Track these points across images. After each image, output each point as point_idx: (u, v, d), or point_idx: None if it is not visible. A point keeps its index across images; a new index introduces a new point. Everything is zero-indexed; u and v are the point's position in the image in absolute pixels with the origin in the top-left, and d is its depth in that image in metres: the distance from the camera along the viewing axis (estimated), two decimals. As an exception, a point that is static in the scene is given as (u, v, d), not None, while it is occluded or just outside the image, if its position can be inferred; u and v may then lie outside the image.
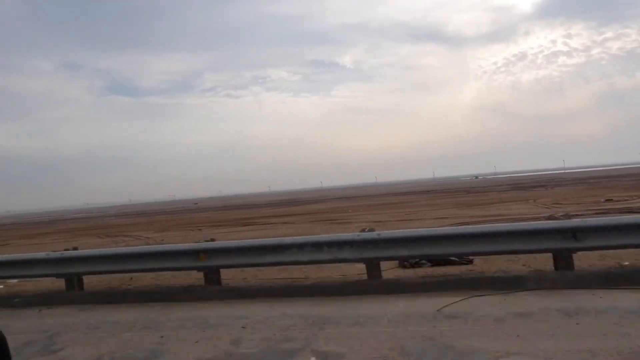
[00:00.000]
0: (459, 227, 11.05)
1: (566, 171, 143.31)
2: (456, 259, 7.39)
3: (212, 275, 7.22)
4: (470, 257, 7.50)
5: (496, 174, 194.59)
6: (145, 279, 9.02)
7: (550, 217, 8.57)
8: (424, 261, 7.46)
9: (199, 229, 25.57)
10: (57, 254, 7.39)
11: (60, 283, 8.43)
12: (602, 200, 22.31)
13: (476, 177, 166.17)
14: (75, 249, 7.28)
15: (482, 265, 7.62)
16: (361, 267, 7.37)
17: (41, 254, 7.62)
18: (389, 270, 7.64)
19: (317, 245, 6.71)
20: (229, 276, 8.17)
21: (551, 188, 41.21)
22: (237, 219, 32.38)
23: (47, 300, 7.56)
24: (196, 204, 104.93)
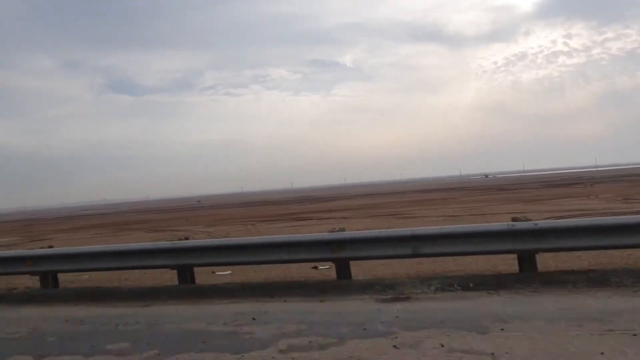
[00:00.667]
0: None
1: (578, 170, 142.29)
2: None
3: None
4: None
5: (524, 172, 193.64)
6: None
7: None
8: None
9: (252, 224, 24.78)
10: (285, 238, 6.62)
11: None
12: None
13: (486, 176, 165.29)
14: (343, 229, 6.37)
15: None
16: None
17: (277, 237, 6.99)
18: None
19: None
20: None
21: (590, 185, 40.35)
22: (283, 214, 31.58)
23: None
24: (199, 201, 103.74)
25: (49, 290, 7.63)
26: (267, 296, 6.27)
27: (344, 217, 24.43)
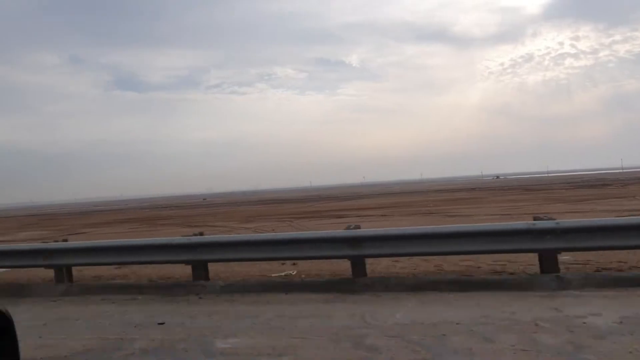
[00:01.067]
0: None
1: (592, 172, 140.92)
2: None
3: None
4: None
5: (549, 172, 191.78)
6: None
7: None
8: None
9: (289, 220, 24.26)
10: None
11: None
12: None
13: (497, 177, 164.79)
14: (551, 217, 5.80)
15: None
16: None
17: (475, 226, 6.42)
18: None
19: None
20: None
21: (622, 187, 39.56)
22: (315, 212, 31.04)
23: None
24: (204, 199, 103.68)
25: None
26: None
27: (384, 215, 23.87)
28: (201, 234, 7.34)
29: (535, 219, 5.76)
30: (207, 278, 7.00)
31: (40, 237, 23.07)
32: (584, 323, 4.48)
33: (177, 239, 7.13)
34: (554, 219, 5.83)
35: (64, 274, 7.68)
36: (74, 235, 23.45)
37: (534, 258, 6.70)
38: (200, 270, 6.98)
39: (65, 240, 8.47)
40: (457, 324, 4.68)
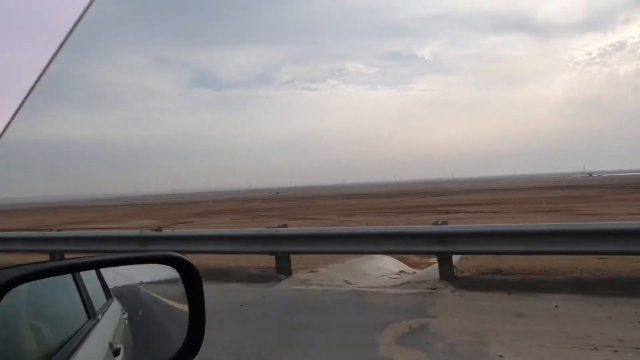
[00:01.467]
0: None
1: None
2: None
3: None
4: None
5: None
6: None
7: None
8: None
9: (394, 215, 23.52)
10: None
11: None
12: None
13: (590, 175, 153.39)
14: None
15: None
16: None
17: None
18: None
19: None
20: None
21: None
22: (417, 206, 30.10)
23: None
24: (278, 192, 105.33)
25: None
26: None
27: (496, 212, 22.36)
28: (444, 222, 6.75)
29: None
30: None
31: (153, 225, 24.04)
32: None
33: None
34: None
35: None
36: (184, 224, 24.23)
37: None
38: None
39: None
40: None
